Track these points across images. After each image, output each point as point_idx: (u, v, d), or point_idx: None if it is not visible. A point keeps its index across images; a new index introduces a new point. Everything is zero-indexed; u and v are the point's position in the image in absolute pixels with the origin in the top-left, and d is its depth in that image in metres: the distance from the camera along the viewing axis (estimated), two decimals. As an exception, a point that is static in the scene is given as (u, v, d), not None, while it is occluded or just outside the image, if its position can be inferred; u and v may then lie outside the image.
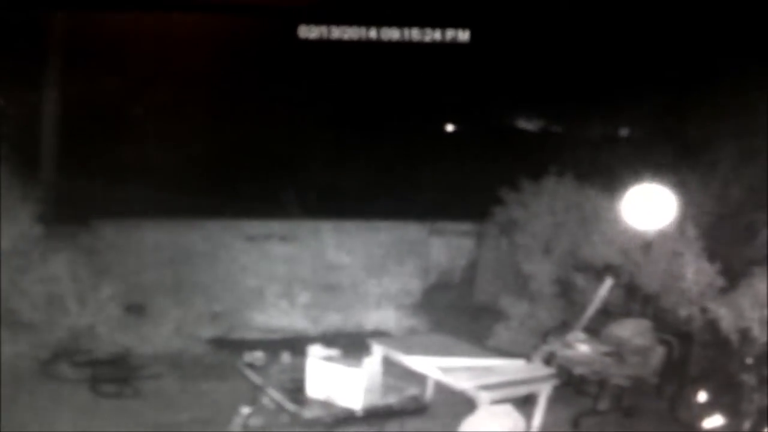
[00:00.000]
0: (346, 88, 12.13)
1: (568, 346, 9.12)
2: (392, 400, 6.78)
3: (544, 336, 9.69)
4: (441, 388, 7.71)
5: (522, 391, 7.43)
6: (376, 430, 6.76)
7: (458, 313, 11.68)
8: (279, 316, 10.92)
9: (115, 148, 10.98)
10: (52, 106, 11.02)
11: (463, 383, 7.15)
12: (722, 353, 8.90)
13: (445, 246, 12.30)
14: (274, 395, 6.85)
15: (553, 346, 9.18)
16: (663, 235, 9.83)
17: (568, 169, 10.96)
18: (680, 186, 10.22)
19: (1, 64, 9.31)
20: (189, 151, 11.41)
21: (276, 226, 11.54)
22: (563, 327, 9.91)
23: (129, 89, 11.21)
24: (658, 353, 9.08)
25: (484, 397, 6.93)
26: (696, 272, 9.33)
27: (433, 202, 12.11)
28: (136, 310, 10.30)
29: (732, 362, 8.64)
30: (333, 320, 11.17)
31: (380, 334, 10.34)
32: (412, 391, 6.99)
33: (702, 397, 8.57)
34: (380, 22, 9.38)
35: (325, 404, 6.60)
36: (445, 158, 12.58)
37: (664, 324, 9.42)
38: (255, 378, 7.19)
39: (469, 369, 7.38)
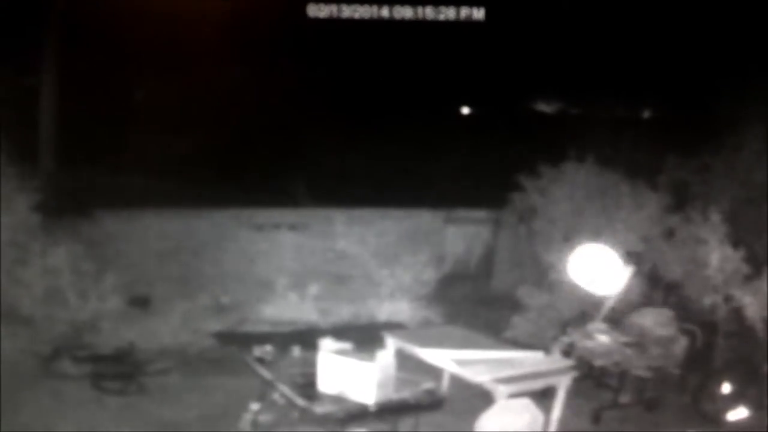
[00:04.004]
0: (356, 70, 12.22)
1: (588, 336, 8.96)
2: (407, 394, 6.62)
3: (564, 327, 9.53)
4: (457, 382, 7.56)
5: (540, 384, 7.27)
6: (390, 427, 6.63)
7: (474, 304, 11.62)
8: (289, 309, 10.79)
9: (117, 135, 11.05)
10: (51, 92, 10.97)
11: (479, 376, 6.99)
12: (747, 343, 8.96)
13: (460, 234, 12.29)
14: (284, 390, 6.69)
15: (573, 337, 9.01)
16: (686, 222, 9.83)
17: (589, 153, 10.85)
18: (704, 170, 10.13)
19: (-2, 50, 9.31)
20: (194, 137, 11.47)
21: (285, 214, 11.54)
22: (583, 317, 9.75)
23: (132, 74, 11.25)
24: (681, 343, 8.93)
25: (501, 390, 6.80)
26: (720, 259, 9.28)
27: (448, 189, 12.19)
28: (140, 303, 10.25)
29: (757, 352, 8.66)
30: (345, 312, 11.06)
31: (394, 327, 10.15)
32: (427, 385, 6.80)
33: (726, 388, 8.54)
34: (392, 0, 9.27)
35: (337, 399, 6.45)
36: (461, 143, 12.75)
37: (688, 313, 9.31)
38: (264, 373, 7.04)
39: (485, 362, 7.24)
